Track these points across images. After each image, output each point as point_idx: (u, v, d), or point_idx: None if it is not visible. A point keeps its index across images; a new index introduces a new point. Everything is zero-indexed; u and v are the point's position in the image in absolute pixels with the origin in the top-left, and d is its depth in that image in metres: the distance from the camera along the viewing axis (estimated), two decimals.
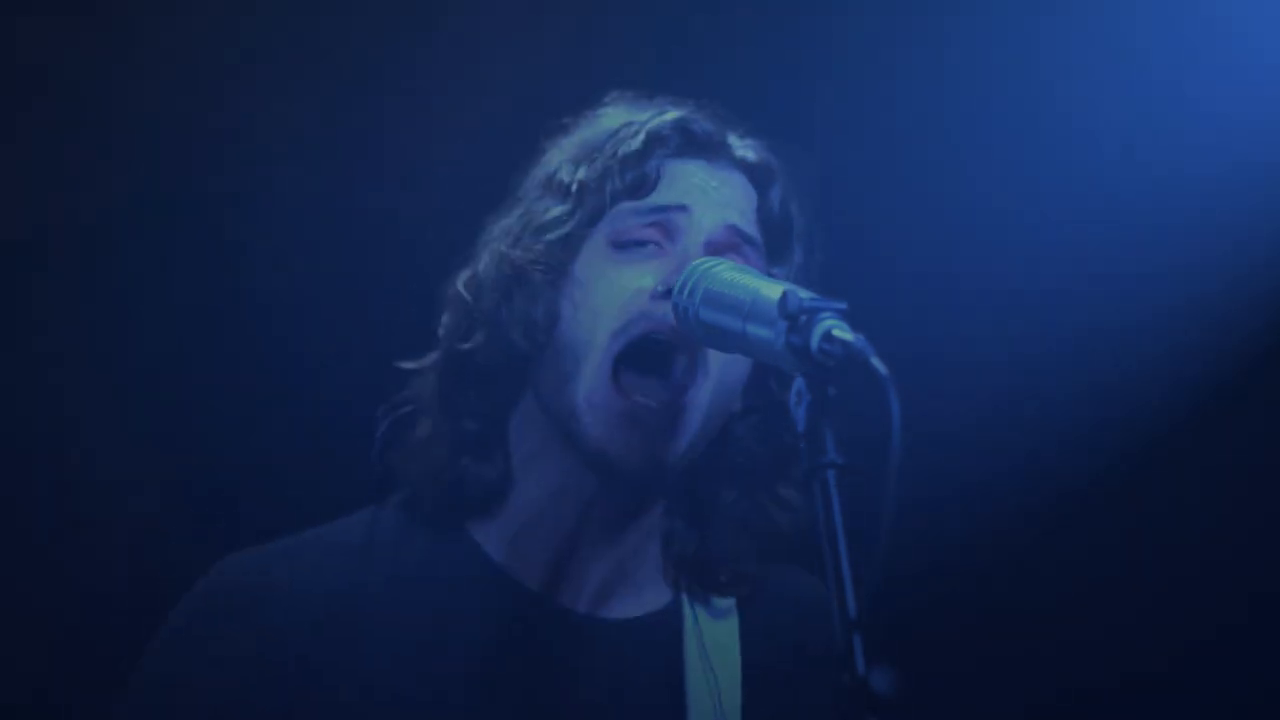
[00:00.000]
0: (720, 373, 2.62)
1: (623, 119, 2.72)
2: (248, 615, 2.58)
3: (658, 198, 2.66)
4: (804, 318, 2.30)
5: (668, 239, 2.64)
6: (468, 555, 2.65)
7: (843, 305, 2.31)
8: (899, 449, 2.13)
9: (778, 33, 3.91)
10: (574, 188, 2.66)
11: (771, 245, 2.73)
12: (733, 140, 2.73)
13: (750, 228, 2.69)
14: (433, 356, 2.71)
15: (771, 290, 2.39)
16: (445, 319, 2.70)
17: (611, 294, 2.61)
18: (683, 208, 2.65)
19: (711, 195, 2.67)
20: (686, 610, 2.73)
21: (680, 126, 2.70)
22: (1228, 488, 4.06)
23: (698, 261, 2.55)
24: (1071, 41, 3.98)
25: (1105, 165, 4.00)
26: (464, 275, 2.70)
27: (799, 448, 2.59)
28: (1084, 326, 4.02)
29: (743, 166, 2.73)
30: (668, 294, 2.57)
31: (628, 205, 2.65)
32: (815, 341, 2.27)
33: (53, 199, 3.67)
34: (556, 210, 2.66)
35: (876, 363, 2.19)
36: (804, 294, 2.33)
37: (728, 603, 2.77)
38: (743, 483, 2.74)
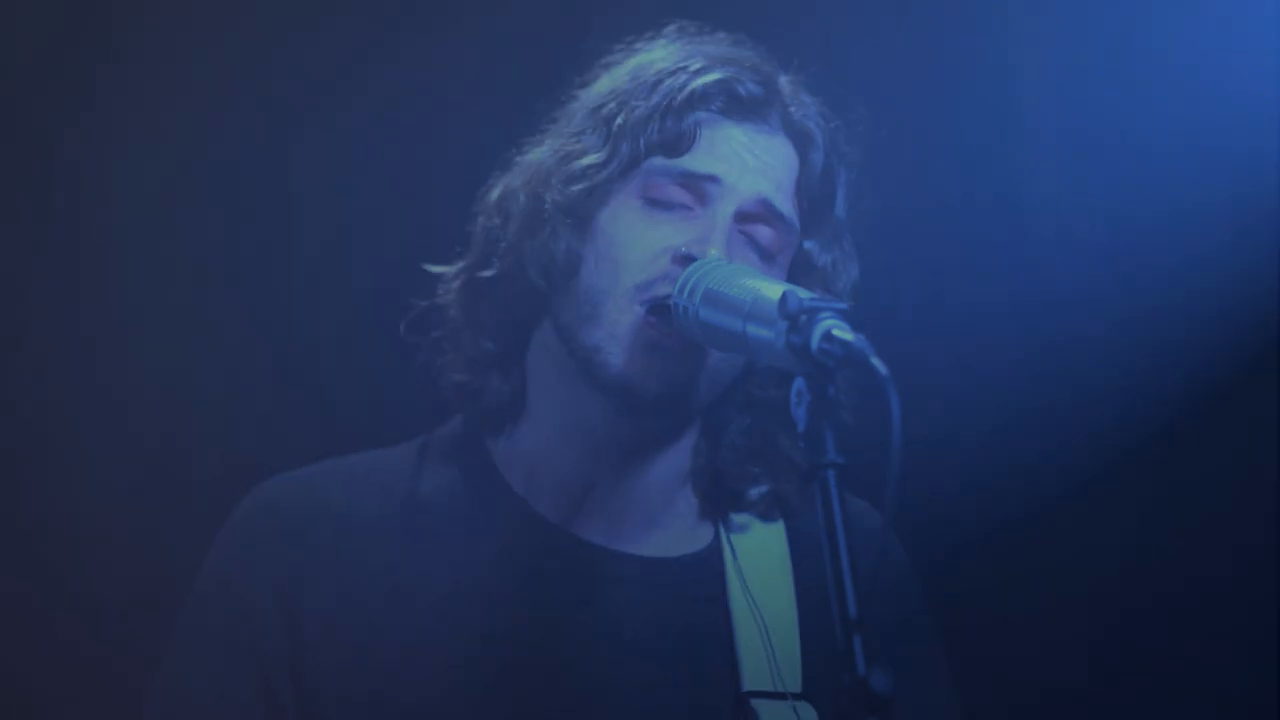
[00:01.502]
0: None
1: (675, 60, 2.68)
2: (276, 537, 2.62)
3: (691, 162, 2.64)
4: (804, 318, 2.30)
5: (698, 203, 2.63)
6: (490, 482, 2.67)
7: (843, 305, 2.31)
8: (899, 449, 2.13)
9: (778, 32, 3.91)
10: (613, 130, 2.64)
11: (810, 212, 2.72)
12: (782, 99, 2.71)
13: (784, 202, 2.67)
14: (459, 265, 2.72)
15: (772, 290, 2.39)
16: (478, 227, 2.71)
17: (635, 251, 2.60)
18: (713, 178, 2.63)
19: (748, 163, 2.65)
20: (727, 549, 2.72)
21: (726, 86, 2.67)
22: (1229, 487, 4.06)
23: (698, 261, 2.55)
24: (1072, 40, 3.98)
25: (1105, 165, 4.00)
26: (498, 189, 2.71)
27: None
28: (1084, 326, 4.02)
29: (788, 130, 2.71)
30: (687, 259, 2.57)
31: (660, 162, 2.63)
32: (815, 341, 2.27)
33: (52, 198, 3.67)
34: (591, 156, 2.64)
35: (876, 363, 2.19)
36: (804, 294, 2.33)
37: (771, 527, 2.76)
38: (756, 412, 2.73)
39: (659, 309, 2.58)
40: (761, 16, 3.12)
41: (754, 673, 2.65)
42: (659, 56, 2.71)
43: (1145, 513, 4.08)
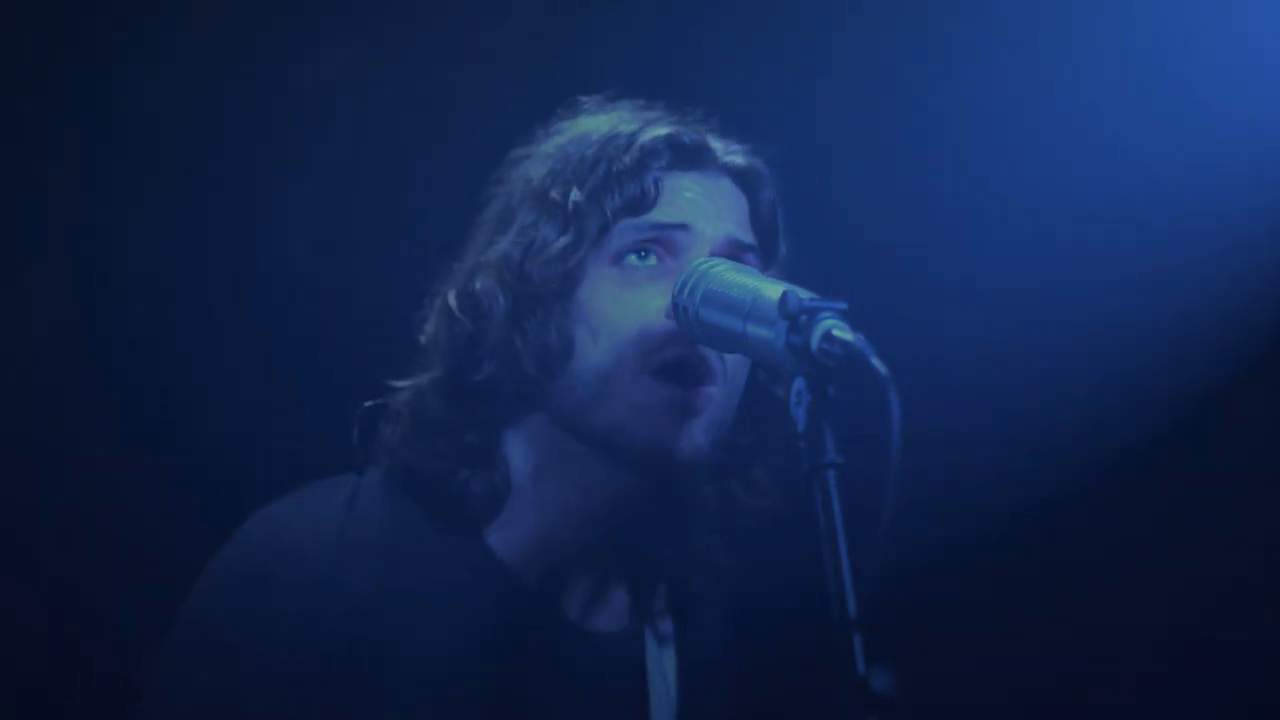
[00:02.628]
0: (733, 371, 2.64)
1: (606, 128, 2.70)
2: (258, 594, 2.59)
3: (658, 215, 2.64)
4: (804, 317, 2.30)
5: (670, 255, 2.64)
6: (483, 560, 2.66)
7: (843, 305, 2.31)
8: (899, 449, 2.13)
9: (778, 32, 3.91)
10: (570, 209, 2.64)
11: (763, 248, 2.73)
12: (716, 146, 2.73)
13: (747, 235, 2.69)
14: (429, 376, 2.69)
15: (772, 290, 2.39)
16: (435, 334, 2.69)
17: (630, 319, 2.61)
18: (684, 226, 2.64)
19: (708, 209, 2.66)
20: (646, 621, 2.77)
21: (671, 141, 2.68)
22: (1230, 487, 4.06)
23: (698, 261, 2.55)
24: (1072, 40, 3.98)
25: (1106, 164, 4.00)
26: (453, 294, 2.69)
27: (779, 436, 2.66)
28: (1084, 326, 4.02)
29: (731, 173, 2.73)
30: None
31: (629, 222, 2.64)
32: (815, 341, 2.27)
33: (53, 198, 3.67)
34: (561, 239, 2.63)
35: (876, 363, 2.19)
36: (804, 294, 2.33)
37: (667, 627, 2.80)
38: (720, 474, 2.74)
39: (670, 374, 2.59)
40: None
41: None
42: (585, 129, 2.72)
43: (1147, 513, 4.08)
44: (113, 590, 3.59)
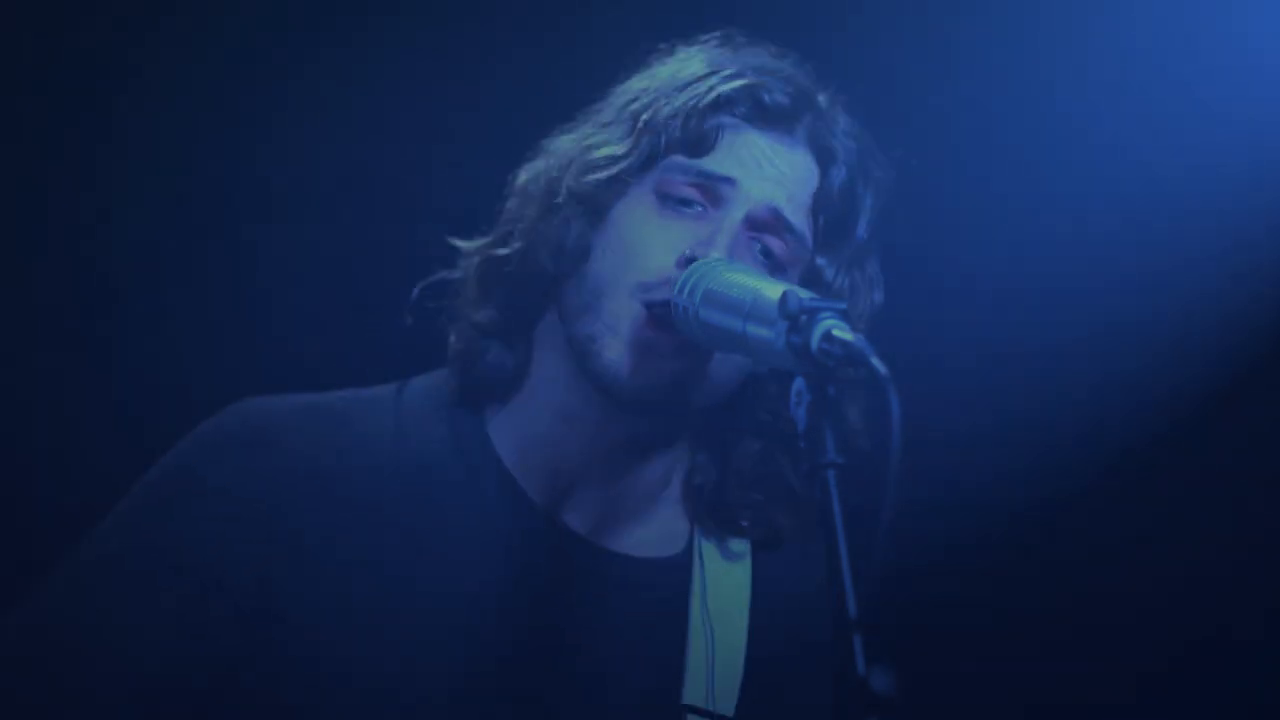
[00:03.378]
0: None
1: (711, 65, 2.71)
2: (254, 454, 2.59)
3: (709, 163, 2.64)
4: (804, 317, 2.29)
5: (711, 204, 2.64)
6: (481, 451, 2.67)
7: (843, 305, 2.31)
8: (899, 449, 2.13)
9: (778, 32, 3.91)
10: (639, 125, 2.65)
11: (824, 231, 2.72)
12: (812, 114, 2.72)
13: (796, 214, 2.68)
14: (480, 241, 2.74)
15: (772, 290, 2.39)
16: (504, 206, 2.73)
17: (644, 249, 2.61)
18: (729, 180, 2.64)
19: (765, 170, 2.66)
20: (696, 559, 2.74)
21: (752, 93, 2.68)
22: (1230, 487, 4.06)
23: (699, 261, 2.55)
24: (1072, 40, 3.97)
25: (1106, 165, 4.00)
26: (526, 171, 2.73)
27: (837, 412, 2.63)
28: (1084, 325, 4.02)
29: (812, 144, 2.71)
30: (690, 261, 2.58)
31: (679, 160, 2.64)
32: (815, 341, 2.27)
33: (53, 198, 3.67)
34: (612, 148, 2.66)
35: (876, 362, 2.19)
36: (804, 294, 2.33)
37: (742, 547, 2.77)
38: (768, 438, 2.74)
39: (659, 309, 2.59)
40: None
41: (694, 688, 2.68)
42: (695, 60, 2.73)
43: (1147, 513, 4.08)
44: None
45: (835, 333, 2.26)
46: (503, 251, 2.68)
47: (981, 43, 3.96)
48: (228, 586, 2.53)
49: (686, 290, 2.52)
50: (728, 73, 2.69)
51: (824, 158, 2.72)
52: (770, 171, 2.66)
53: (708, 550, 2.75)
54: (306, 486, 2.58)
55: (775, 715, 2.74)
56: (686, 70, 2.70)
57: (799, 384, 2.28)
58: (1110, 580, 4.07)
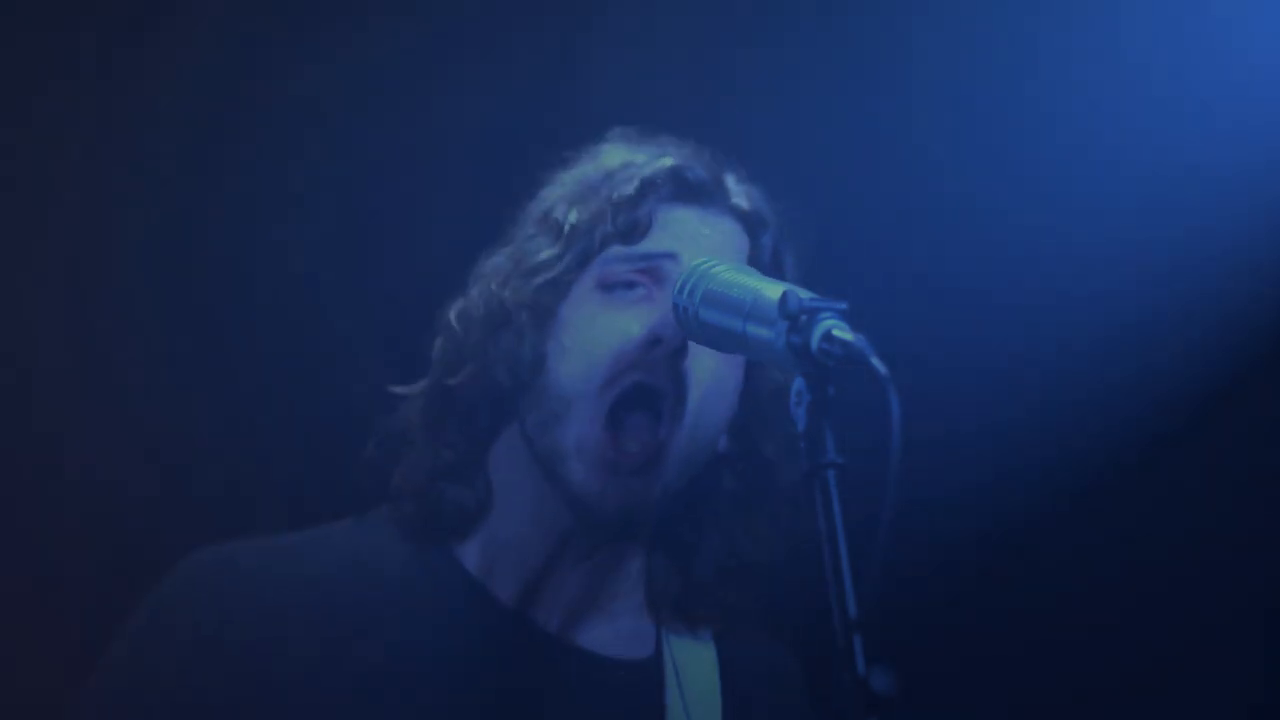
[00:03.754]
0: (697, 415, 2.63)
1: (621, 159, 2.73)
2: (216, 603, 2.59)
3: (647, 245, 2.67)
4: (804, 317, 2.30)
5: (656, 284, 2.65)
6: (445, 566, 2.67)
7: (843, 305, 2.31)
8: (899, 449, 2.13)
9: (778, 32, 3.92)
10: (566, 229, 2.67)
11: None
12: (728, 186, 2.74)
13: None
14: (422, 384, 2.73)
15: (772, 290, 2.39)
16: (438, 346, 2.73)
17: (601, 339, 2.62)
18: (671, 255, 2.66)
19: (701, 242, 2.67)
20: (669, 661, 2.75)
21: (675, 174, 2.70)
22: (1230, 488, 4.06)
23: (698, 261, 2.55)
24: (1071, 41, 3.98)
25: (1106, 165, 4.00)
26: (457, 306, 2.73)
27: (776, 484, 2.69)
28: (1084, 326, 4.02)
29: (736, 214, 2.74)
30: (655, 341, 2.59)
31: (617, 250, 2.67)
32: (815, 341, 2.27)
33: (53, 198, 3.67)
34: (546, 253, 2.67)
35: (876, 363, 2.19)
36: (804, 294, 2.33)
37: (705, 645, 2.78)
38: (725, 526, 2.76)
39: (618, 409, 2.60)
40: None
41: None
42: (604, 159, 2.75)
43: (1147, 513, 4.08)
44: (112, 590, 3.59)
45: (835, 333, 2.26)
46: (452, 381, 2.68)
47: (982, 43, 3.96)
48: None
49: (687, 290, 2.52)
50: (643, 159, 2.72)
51: (750, 224, 2.75)
52: (705, 243, 2.67)
53: (676, 647, 2.76)
54: (266, 623, 2.58)
55: None
56: (601, 168, 2.72)
57: (799, 384, 2.28)
58: (1110, 580, 4.07)
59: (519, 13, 3.83)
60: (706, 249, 2.65)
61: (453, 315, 2.71)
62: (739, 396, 2.71)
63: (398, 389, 2.74)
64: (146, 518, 3.64)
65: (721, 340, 2.49)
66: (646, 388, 2.60)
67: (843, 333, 2.26)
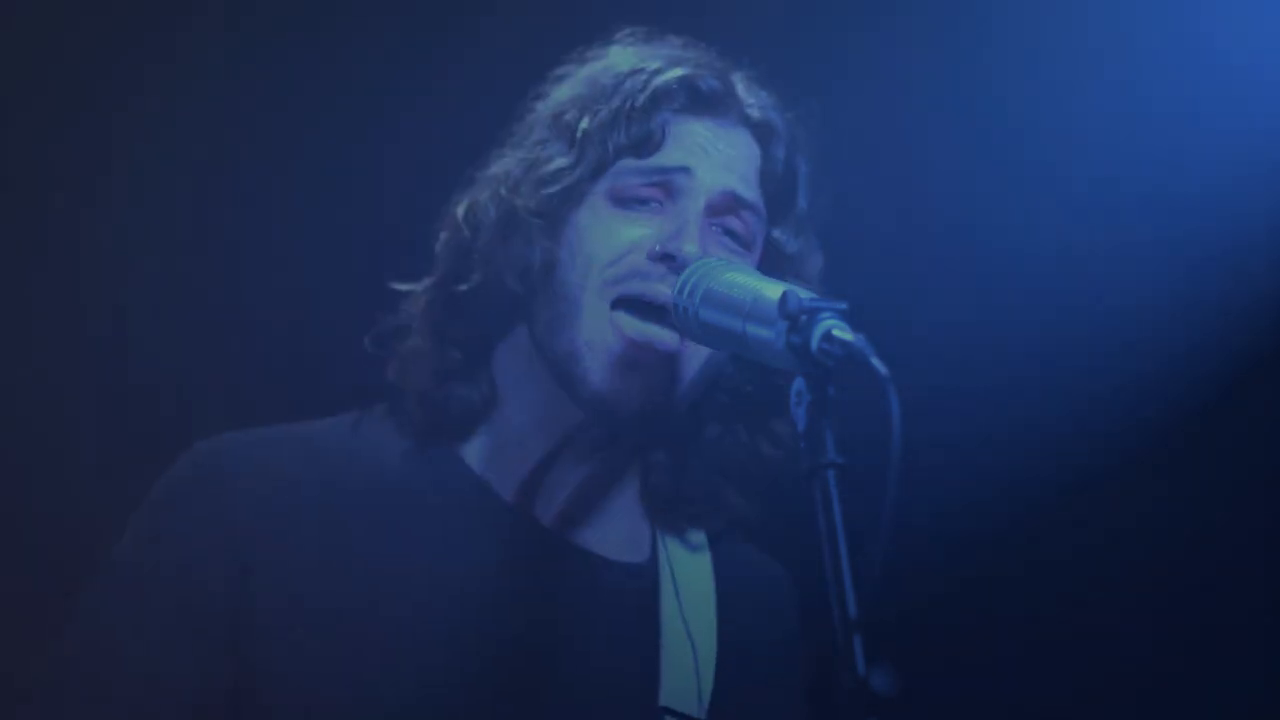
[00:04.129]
0: None
1: (631, 63, 2.71)
2: (222, 493, 2.59)
3: (661, 158, 2.66)
4: (804, 318, 2.29)
5: (668, 198, 2.65)
6: (448, 463, 2.68)
7: (843, 305, 2.31)
8: (899, 449, 2.13)
9: (778, 32, 3.91)
10: (579, 135, 2.66)
11: (774, 202, 2.74)
12: (739, 94, 2.73)
13: (750, 191, 2.70)
14: (426, 283, 2.72)
15: (772, 290, 2.39)
16: (441, 243, 2.72)
17: (608, 245, 2.62)
18: (685, 169, 2.66)
19: (714, 157, 2.67)
20: (664, 564, 2.75)
21: (687, 83, 2.69)
22: (1229, 488, 4.06)
23: (698, 261, 2.55)
24: (1071, 41, 3.97)
25: (1105, 165, 4.00)
26: (464, 204, 2.71)
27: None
28: (1085, 327, 4.02)
29: (748, 123, 2.73)
30: (665, 257, 2.59)
31: (630, 163, 2.66)
32: (815, 341, 2.27)
33: (53, 197, 3.67)
34: (559, 161, 2.66)
35: (876, 363, 2.19)
36: (804, 294, 2.33)
37: (700, 540, 2.79)
38: (727, 419, 2.75)
39: (627, 312, 2.60)
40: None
41: (672, 691, 2.69)
42: (614, 61, 2.73)
43: (1146, 513, 4.08)
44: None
45: (835, 333, 2.26)
46: (462, 287, 2.67)
47: (982, 42, 3.96)
48: (211, 613, 2.55)
49: (686, 290, 2.51)
50: (655, 67, 2.70)
51: (761, 134, 2.74)
52: (719, 157, 2.67)
53: (672, 552, 2.77)
54: (271, 514, 2.58)
55: (745, 712, 2.74)
56: (610, 72, 2.71)
57: (799, 384, 2.28)
58: (1110, 580, 4.07)
59: (516, 15, 3.83)
60: (719, 163, 2.66)
61: (459, 214, 2.70)
62: None
63: (400, 285, 2.74)
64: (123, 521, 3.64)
65: (721, 340, 2.49)
66: (651, 300, 2.59)
67: (843, 333, 2.26)
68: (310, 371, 3.58)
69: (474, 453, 2.69)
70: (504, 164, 2.71)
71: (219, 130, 3.72)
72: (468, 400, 2.68)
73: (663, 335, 2.60)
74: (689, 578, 2.76)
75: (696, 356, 2.63)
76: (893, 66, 3.94)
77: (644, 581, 2.73)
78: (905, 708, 2.08)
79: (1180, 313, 3.99)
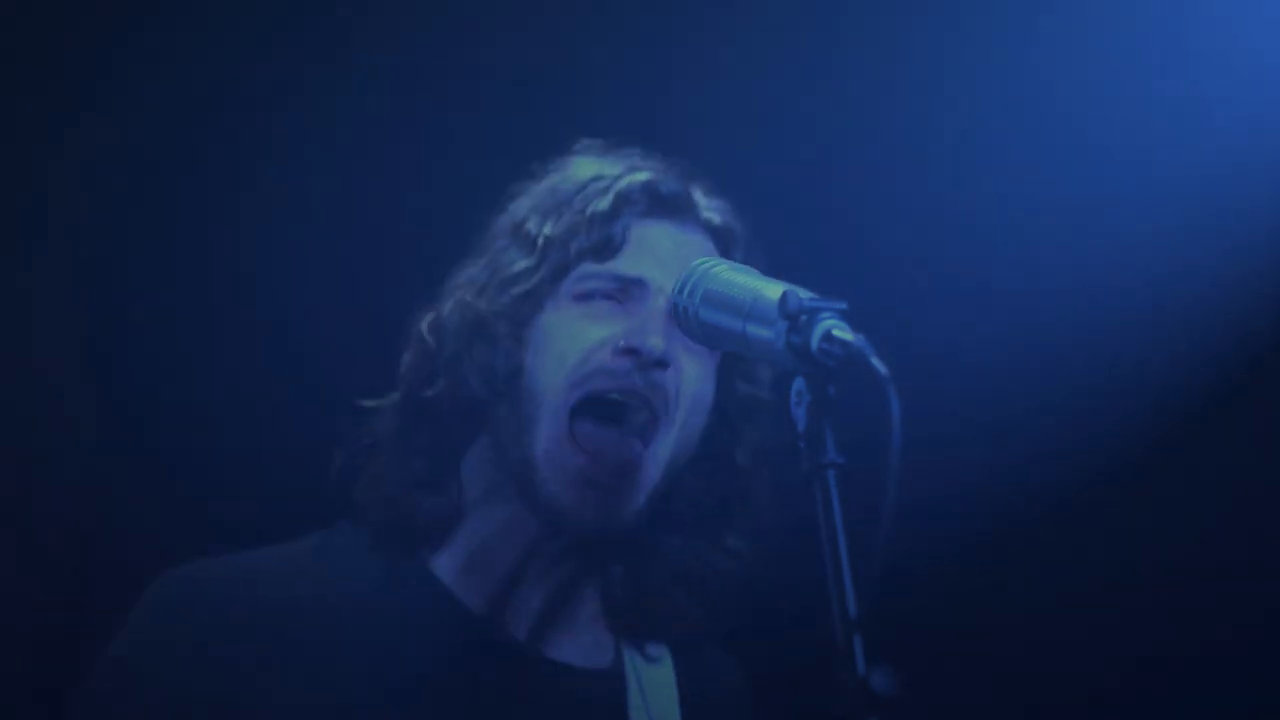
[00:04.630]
0: (684, 422, 2.64)
1: (592, 171, 2.73)
2: (189, 628, 2.58)
3: (620, 265, 2.67)
4: (804, 318, 2.29)
5: (629, 300, 2.66)
6: (418, 577, 2.67)
7: (843, 305, 2.31)
8: (899, 449, 2.13)
9: (777, 32, 3.92)
10: (540, 241, 2.67)
11: None
12: (698, 200, 2.74)
13: None
14: (393, 397, 2.72)
15: (772, 290, 2.39)
16: (406, 358, 2.72)
17: (573, 344, 2.63)
18: (640, 281, 2.66)
19: (672, 265, 2.65)
20: (630, 668, 2.75)
21: (648, 188, 2.70)
22: (1228, 488, 4.06)
23: (698, 261, 2.55)
24: (1070, 41, 3.98)
25: (1105, 165, 4.00)
26: (428, 318, 2.72)
27: (749, 494, 2.70)
28: (1084, 327, 4.03)
29: (708, 228, 2.74)
30: (629, 351, 2.60)
31: (591, 267, 2.67)
32: (815, 341, 2.27)
33: (52, 198, 3.67)
34: (521, 264, 2.67)
35: (876, 363, 2.19)
36: (804, 294, 2.33)
37: (661, 656, 2.79)
38: (686, 530, 2.75)
39: (587, 419, 2.60)
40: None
41: None
42: (574, 171, 2.74)
43: (1145, 513, 4.08)
44: (111, 590, 3.59)
45: (835, 333, 2.26)
46: (428, 393, 2.67)
47: (981, 43, 3.97)
48: None
49: (687, 290, 2.51)
50: (617, 173, 2.72)
51: (721, 239, 2.75)
52: (677, 264, 2.64)
53: (635, 659, 2.77)
54: (248, 644, 2.57)
55: None
56: (571, 179, 2.73)
57: (799, 384, 2.28)
58: (1110, 580, 4.07)
59: (513, 21, 3.83)
60: (676, 270, 2.62)
61: (424, 327, 2.71)
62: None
63: (366, 402, 2.74)
64: (145, 517, 3.64)
65: (721, 340, 2.49)
66: (611, 399, 2.60)
67: (843, 333, 2.26)
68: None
69: (444, 565, 2.68)
70: (467, 273, 2.72)
71: (213, 138, 3.72)
72: (435, 510, 2.67)
73: (621, 444, 2.60)
74: (653, 683, 2.76)
75: (655, 466, 2.63)
76: (892, 66, 3.94)
77: (612, 685, 2.73)
78: (905, 708, 2.08)
79: (1181, 313, 3.99)
